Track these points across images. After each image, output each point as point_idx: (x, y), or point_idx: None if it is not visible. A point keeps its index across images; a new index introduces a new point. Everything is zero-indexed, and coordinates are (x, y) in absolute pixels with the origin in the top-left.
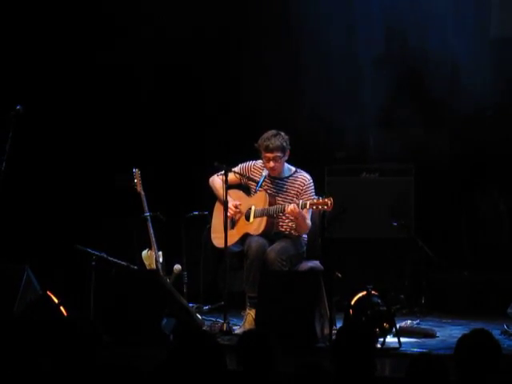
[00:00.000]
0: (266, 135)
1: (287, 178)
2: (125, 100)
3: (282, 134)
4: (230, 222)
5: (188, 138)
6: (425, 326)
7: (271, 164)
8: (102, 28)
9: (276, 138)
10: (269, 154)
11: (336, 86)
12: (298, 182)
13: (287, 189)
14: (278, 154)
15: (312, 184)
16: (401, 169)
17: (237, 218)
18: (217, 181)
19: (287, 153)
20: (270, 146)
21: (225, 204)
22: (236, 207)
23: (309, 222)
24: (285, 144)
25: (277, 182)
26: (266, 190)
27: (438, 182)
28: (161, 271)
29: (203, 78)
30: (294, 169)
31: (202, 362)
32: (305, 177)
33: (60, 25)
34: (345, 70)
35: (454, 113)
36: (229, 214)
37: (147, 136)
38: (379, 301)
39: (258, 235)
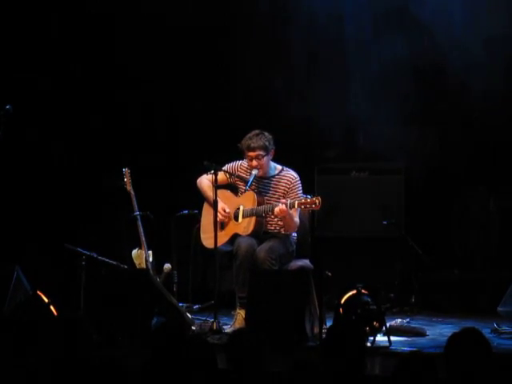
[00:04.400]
0: (248, 135)
1: (273, 176)
2: (115, 99)
3: (266, 133)
4: (219, 223)
5: (178, 138)
6: (415, 324)
7: (254, 163)
8: (95, 27)
9: (258, 138)
10: (251, 153)
11: (325, 84)
12: (285, 181)
13: (274, 187)
14: (260, 153)
15: (299, 182)
16: (391, 168)
17: (226, 221)
18: (204, 182)
19: (271, 152)
20: (252, 145)
21: (214, 203)
22: (224, 211)
23: (297, 220)
24: (267, 143)
25: (264, 182)
26: (253, 190)
27: (429, 181)
28: (151, 270)
29: (193, 77)
30: (280, 167)
31: (192, 361)
32: (291, 175)
33: (51, 23)
34: (334, 69)
35: (445, 112)
36: (218, 219)
37: (137, 135)
38: (369, 299)
39: (247, 235)
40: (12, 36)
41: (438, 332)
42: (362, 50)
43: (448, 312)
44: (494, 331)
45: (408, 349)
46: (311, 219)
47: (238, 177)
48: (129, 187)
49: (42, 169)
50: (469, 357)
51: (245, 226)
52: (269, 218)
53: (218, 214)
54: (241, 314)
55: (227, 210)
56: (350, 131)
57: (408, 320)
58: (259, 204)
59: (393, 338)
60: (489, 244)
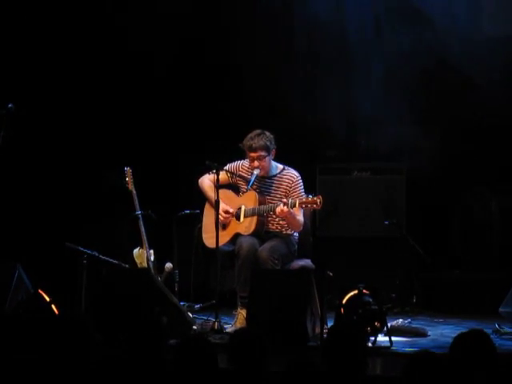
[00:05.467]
0: (250, 135)
1: (275, 176)
2: (116, 98)
3: (267, 133)
4: (220, 223)
5: (179, 137)
6: (416, 324)
7: (256, 163)
8: (94, 24)
9: (259, 138)
10: (253, 154)
11: (327, 84)
12: (286, 180)
13: (276, 187)
14: (262, 154)
15: (300, 181)
16: (392, 168)
17: (228, 222)
18: (206, 182)
19: (273, 152)
20: (253, 145)
21: (216, 203)
22: (226, 212)
23: (300, 218)
24: (269, 143)
25: (265, 181)
26: (254, 189)
27: (430, 181)
28: (152, 270)
29: (194, 78)
30: (281, 167)
31: (193, 360)
32: (293, 174)
33: (50, 20)
34: (336, 68)
35: (447, 112)
36: (220, 221)
37: (139, 134)
38: (370, 300)
39: (248, 235)
40: (12, 35)
41: (439, 332)
42: (364, 49)
43: (449, 312)
44: (496, 332)
45: (409, 349)
46: (313, 219)
47: (240, 176)
48: (130, 186)
49: (43, 168)
50: (473, 359)
51: (246, 225)
52: (270, 218)
53: (220, 215)
54: (242, 313)
55: (231, 211)
56: (352, 131)
57: (409, 320)
58: (261, 203)
59: (394, 339)
60: (490, 244)
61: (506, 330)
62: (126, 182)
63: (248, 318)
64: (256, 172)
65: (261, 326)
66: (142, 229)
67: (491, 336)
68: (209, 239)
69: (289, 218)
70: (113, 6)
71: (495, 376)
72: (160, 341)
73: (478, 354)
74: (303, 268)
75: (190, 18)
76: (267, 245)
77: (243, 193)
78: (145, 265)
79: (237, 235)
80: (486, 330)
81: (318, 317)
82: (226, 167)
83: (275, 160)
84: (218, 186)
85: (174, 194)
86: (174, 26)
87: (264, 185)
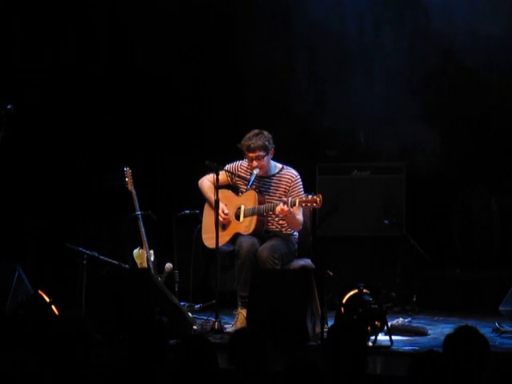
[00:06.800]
0: (248, 135)
1: (274, 175)
2: (115, 99)
3: (265, 133)
4: (220, 224)
5: (179, 137)
6: (416, 323)
7: (254, 163)
8: (93, 25)
9: (258, 138)
10: (251, 154)
11: (327, 83)
12: (286, 179)
13: (275, 186)
14: (261, 154)
15: (299, 180)
16: (392, 167)
17: (226, 222)
18: (206, 183)
19: (271, 151)
20: (252, 145)
21: (216, 203)
22: (223, 212)
23: (299, 217)
24: (267, 143)
25: (264, 181)
26: (254, 189)
27: (430, 180)
28: (152, 270)
29: (194, 78)
30: (280, 166)
31: (194, 360)
32: (292, 173)
33: (50, 21)
34: (335, 68)
35: (447, 111)
36: (219, 221)
37: (138, 135)
38: (371, 299)
39: (248, 234)
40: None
41: (440, 331)
42: (364, 48)
43: (449, 311)
44: (496, 330)
45: (409, 348)
46: (313, 218)
47: (239, 177)
48: (130, 187)
49: (43, 168)
50: (467, 355)
51: (246, 225)
52: (270, 217)
53: (220, 215)
54: (242, 313)
55: (226, 211)
56: (352, 130)
57: (409, 319)
58: (260, 203)
59: (394, 338)
60: (490, 243)
61: (507, 328)
62: (126, 183)
63: (248, 318)
64: (255, 172)
65: (261, 326)
66: (142, 229)
67: (491, 335)
68: (208, 239)
69: (289, 217)
70: (111, 6)
71: (496, 375)
72: (162, 341)
73: (471, 349)
74: (303, 267)
75: (190, 18)
76: (267, 244)
77: (243, 193)
78: (145, 265)
79: (237, 235)
80: (485, 329)
81: (319, 316)
82: (225, 167)
83: (275, 159)
84: (218, 186)
85: (173, 194)
86: (174, 27)
87: (263, 184)
